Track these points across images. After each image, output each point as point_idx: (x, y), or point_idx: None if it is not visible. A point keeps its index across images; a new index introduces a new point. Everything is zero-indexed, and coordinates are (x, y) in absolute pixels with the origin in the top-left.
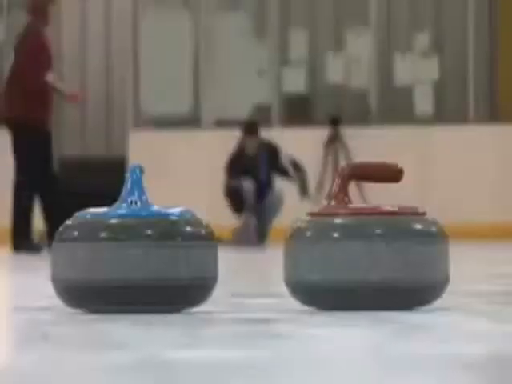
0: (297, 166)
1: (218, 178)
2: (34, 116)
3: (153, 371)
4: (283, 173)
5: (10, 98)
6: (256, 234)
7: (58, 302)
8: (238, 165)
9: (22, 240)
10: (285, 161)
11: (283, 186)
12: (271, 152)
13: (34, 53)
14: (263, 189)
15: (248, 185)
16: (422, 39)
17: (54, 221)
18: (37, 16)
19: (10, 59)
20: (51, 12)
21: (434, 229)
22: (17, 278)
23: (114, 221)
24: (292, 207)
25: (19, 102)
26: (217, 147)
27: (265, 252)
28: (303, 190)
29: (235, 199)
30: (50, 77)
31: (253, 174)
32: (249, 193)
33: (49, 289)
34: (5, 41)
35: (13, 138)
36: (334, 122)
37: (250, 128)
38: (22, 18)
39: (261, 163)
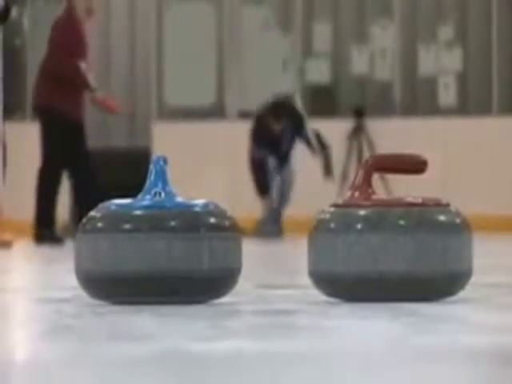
0: (321, 141)
1: (241, 170)
2: (61, 104)
3: (176, 363)
4: (306, 141)
5: (38, 85)
6: (277, 223)
7: (81, 293)
8: (263, 136)
9: (43, 231)
10: (309, 132)
11: (306, 173)
12: (296, 120)
13: (64, 38)
14: (283, 161)
15: (272, 162)
16: (446, 30)
17: (84, 212)
18: (73, 3)
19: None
20: (93, 2)
21: (457, 220)
22: (39, 270)
23: (137, 212)
24: (313, 197)
25: (47, 90)
26: (241, 138)
27: (288, 243)
28: (327, 169)
29: (260, 173)
30: (82, 65)
31: (277, 148)
32: (272, 170)
33: (72, 280)
34: (29, 31)
35: (40, 127)
36: (358, 114)
37: (276, 112)
38: (45, 8)
39: (285, 137)
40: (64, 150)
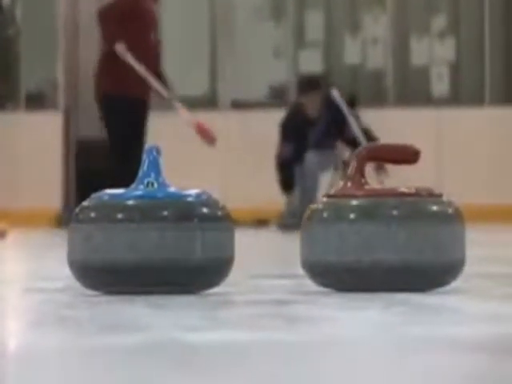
0: (371, 136)
1: (234, 160)
2: (117, 87)
3: (169, 353)
4: (351, 143)
5: (98, 69)
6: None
7: (74, 283)
8: (295, 127)
9: None
10: (354, 127)
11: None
12: (338, 117)
13: (117, 19)
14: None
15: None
16: (439, 21)
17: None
18: None
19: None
20: None
21: (450, 210)
22: (32, 259)
23: (130, 202)
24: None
25: (103, 77)
26: (233, 128)
27: (282, 233)
28: (380, 166)
29: (285, 172)
30: (121, 47)
31: (305, 137)
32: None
33: (65, 270)
34: (22, 21)
35: (103, 116)
36: (351, 104)
37: (312, 82)
38: None
39: (318, 125)
40: (126, 131)
